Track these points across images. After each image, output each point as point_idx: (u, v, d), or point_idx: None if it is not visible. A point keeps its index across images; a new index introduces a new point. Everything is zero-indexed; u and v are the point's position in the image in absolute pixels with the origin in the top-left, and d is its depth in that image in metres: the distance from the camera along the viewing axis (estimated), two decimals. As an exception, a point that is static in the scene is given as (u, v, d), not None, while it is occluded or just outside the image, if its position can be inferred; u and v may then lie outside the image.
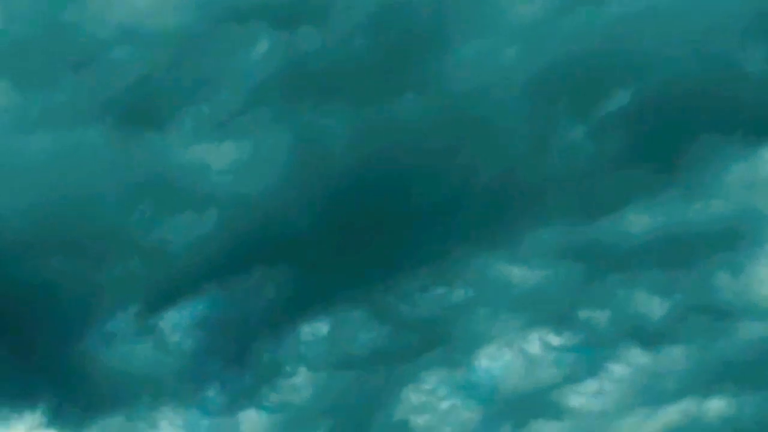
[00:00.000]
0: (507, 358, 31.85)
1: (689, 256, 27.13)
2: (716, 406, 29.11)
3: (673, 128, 26.29)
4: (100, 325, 29.66)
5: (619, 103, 26.18)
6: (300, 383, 32.15)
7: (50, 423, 31.53)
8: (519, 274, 28.84)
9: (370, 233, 28.00)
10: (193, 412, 32.94)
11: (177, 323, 30.79)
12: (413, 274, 28.29)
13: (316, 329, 31.15)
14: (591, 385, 31.26)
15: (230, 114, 27.40)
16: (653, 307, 28.23)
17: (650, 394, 29.80)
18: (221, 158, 27.57)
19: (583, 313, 30.13)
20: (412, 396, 31.85)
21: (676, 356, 29.36)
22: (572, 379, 30.76)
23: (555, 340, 30.43)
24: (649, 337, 28.49)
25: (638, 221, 27.17)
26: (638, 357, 30.07)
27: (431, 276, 28.22)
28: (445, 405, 32.60)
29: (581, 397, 31.42)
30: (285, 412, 32.57)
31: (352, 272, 28.47)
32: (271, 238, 27.96)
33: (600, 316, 30.19)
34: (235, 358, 30.57)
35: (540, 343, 30.57)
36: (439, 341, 29.14)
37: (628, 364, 30.50)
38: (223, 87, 27.52)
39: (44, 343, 29.68)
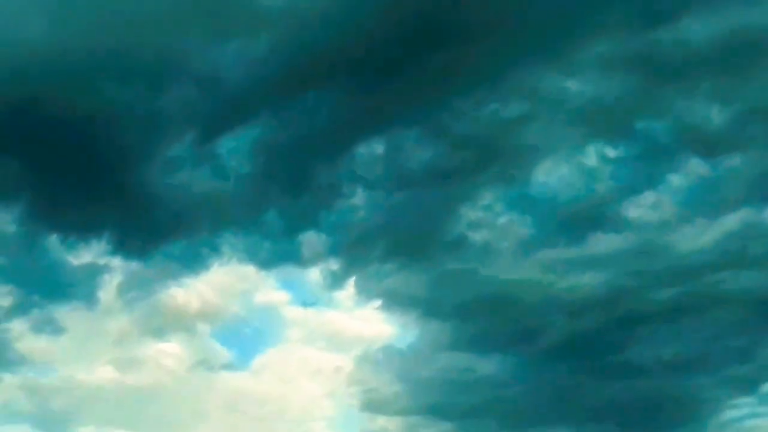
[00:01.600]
0: (563, 172, 31.75)
1: (749, 62, 26.41)
2: (776, 213, 28.94)
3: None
4: (159, 153, 30.10)
5: None
6: (357, 203, 32.51)
7: (115, 250, 32.46)
8: (574, 86, 28.37)
9: (423, 52, 27.60)
10: (253, 236, 33.63)
11: (234, 149, 31.08)
12: (467, 91, 27.98)
13: (371, 149, 31.24)
14: (649, 196, 31.16)
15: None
16: (712, 115, 27.75)
17: (709, 203, 29.66)
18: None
19: (641, 124, 29.78)
20: (468, 213, 32.05)
21: (735, 164, 29.03)
22: (630, 191, 30.67)
23: (612, 152, 30.21)
24: (708, 146, 28.11)
25: (697, 28, 26.38)
26: (697, 166, 29.79)
27: (485, 92, 27.90)
28: (501, 220, 32.82)
29: (639, 209, 31.36)
30: (343, 232, 33.10)
31: (406, 91, 28.23)
32: (325, 60, 27.71)
33: (658, 127, 29.80)
34: (292, 181, 30.89)
35: (597, 155, 30.41)
36: (495, 157, 29.08)
37: (686, 174, 30.28)
38: None
39: (106, 173, 30.26)
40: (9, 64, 26.17)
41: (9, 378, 35.04)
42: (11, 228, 31.58)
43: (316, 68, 27.80)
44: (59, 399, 36.58)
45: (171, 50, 27.88)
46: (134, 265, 34.95)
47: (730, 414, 32.28)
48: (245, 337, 40.48)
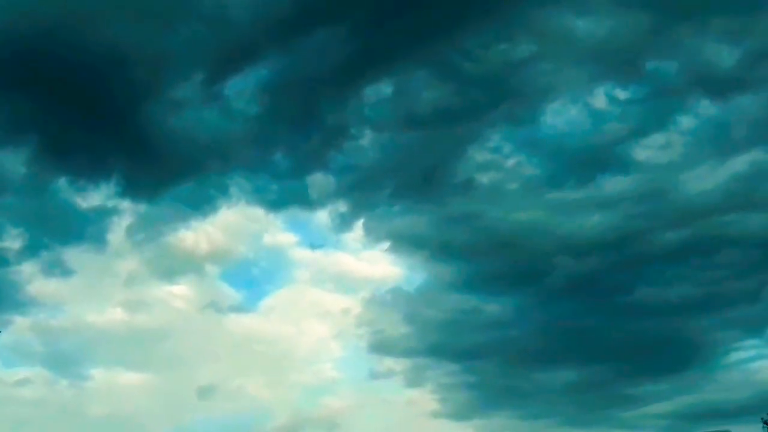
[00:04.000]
0: (572, 113, 31.73)
1: (760, 1, 26.19)
2: (785, 154, 28.84)
3: None
4: (167, 93, 30.04)
5: None
6: (365, 144, 32.55)
7: (124, 192, 32.53)
8: (583, 26, 28.28)
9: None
10: (261, 176, 33.70)
11: (242, 89, 31.08)
12: (475, 30, 27.84)
13: (379, 90, 31.23)
14: (658, 137, 31.16)
15: None
16: (723, 55, 27.62)
17: (718, 144, 29.68)
18: None
19: (650, 64, 29.67)
20: (476, 154, 32.12)
21: (745, 105, 28.96)
22: (639, 132, 30.70)
23: (621, 93, 30.19)
24: (719, 86, 28.06)
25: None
26: (707, 107, 29.74)
27: (493, 31, 27.76)
28: (510, 162, 32.87)
29: (648, 150, 31.37)
30: (352, 173, 33.18)
31: (413, 31, 28.10)
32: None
33: (667, 67, 29.70)
34: (300, 121, 30.89)
35: (606, 96, 30.35)
36: (503, 98, 29.07)
37: (696, 115, 30.23)
38: None
39: (114, 114, 30.20)
40: (18, 5, 26.10)
41: (20, 320, 35.41)
42: (20, 170, 31.71)
43: (324, 8, 27.68)
44: (69, 340, 36.96)
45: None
46: (143, 207, 35.19)
47: (736, 355, 32.53)
48: (254, 278, 40.79)
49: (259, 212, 36.36)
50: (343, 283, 40.21)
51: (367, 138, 30.69)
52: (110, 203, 33.76)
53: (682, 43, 27.71)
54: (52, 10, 26.49)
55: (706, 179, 29.56)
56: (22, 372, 37.10)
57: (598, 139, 29.88)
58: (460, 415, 34.45)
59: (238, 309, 38.91)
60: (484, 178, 30.57)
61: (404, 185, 31.55)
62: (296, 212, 35.80)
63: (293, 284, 40.92)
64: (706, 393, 32.42)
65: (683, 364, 33.33)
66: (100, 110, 30.30)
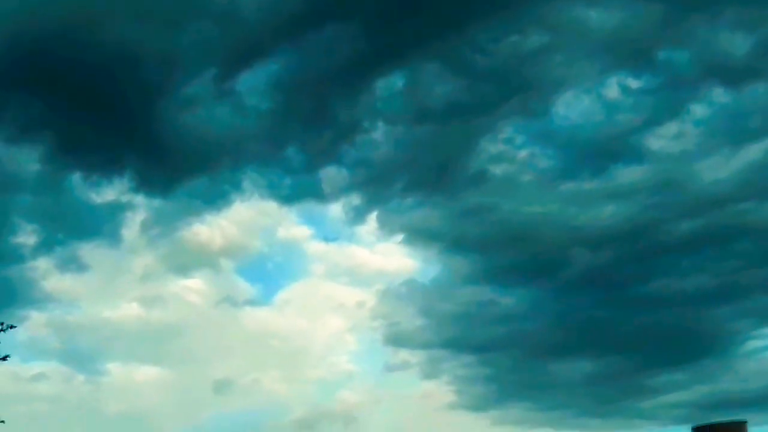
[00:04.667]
0: (585, 104, 31.64)
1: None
2: (800, 141, 28.60)
3: None
4: (179, 90, 30.09)
5: None
6: (378, 138, 32.62)
7: (138, 188, 32.67)
8: (595, 16, 28.20)
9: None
10: (274, 171, 33.81)
11: (254, 85, 31.18)
12: (486, 23, 27.77)
13: (391, 84, 31.28)
14: (671, 127, 31.08)
15: None
16: (736, 44, 27.45)
17: (732, 133, 29.56)
18: None
19: (663, 54, 29.52)
20: (489, 146, 32.10)
21: (759, 94, 28.81)
22: (652, 122, 30.63)
23: (634, 83, 30.11)
24: (732, 75, 27.95)
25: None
26: (720, 96, 29.63)
27: (504, 24, 27.65)
28: (523, 154, 32.85)
29: (661, 140, 31.29)
30: (364, 167, 33.25)
31: (425, 25, 28.04)
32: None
33: (680, 56, 29.59)
34: (312, 116, 30.93)
35: (618, 87, 30.22)
36: (516, 90, 29.04)
37: (709, 104, 30.11)
38: None
39: (127, 111, 30.31)
40: (31, 6, 26.14)
41: (36, 315, 35.74)
42: (35, 167, 31.93)
43: (335, 3, 27.64)
44: (85, 336, 37.26)
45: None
46: (157, 203, 35.42)
47: (753, 344, 32.43)
48: (268, 272, 40.98)
49: (272, 206, 36.56)
50: (358, 276, 40.37)
51: (379, 132, 30.74)
52: (124, 198, 34.07)
53: (694, 32, 27.59)
54: (65, 10, 26.60)
55: (720, 168, 29.45)
56: (38, 367, 37.58)
57: (611, 130, 29.79)
58: (476, 406, 34.63)
59: (253, 303, 39.17)
60: (497, 171, 30.54)
61: (417, 178, 31.56)
62: (310, 206, 35.99)
63: (308, 278, 41.17)
64: (723, 383, 32.46)
65: (699, 354, 33.32)
66: (114, 108, 30.45)
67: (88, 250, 34.83)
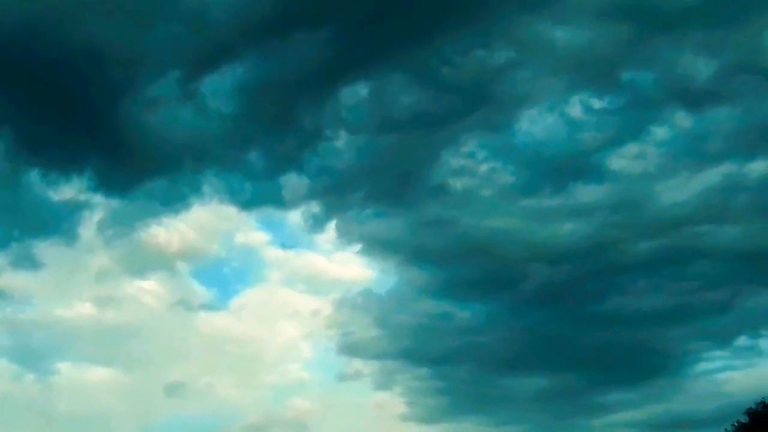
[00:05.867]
0: (548, 121, 31.73)
1: (738, 14, 26.26)
2: (759, 167, 29.00)
3: None
4: (142, 90, 29.83)
5: None
6: (341, 146, 32.42)
7: (97, 187, 32.30)
8: (562, 35, 28.25)
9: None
10: (235, 176, 33.52)
11: (218, 88, 30.84)
12: (454, 36, 27.78)
13: (356, 93, 31.09)
14: (633, 148, 31.20)
15: None
16: (699, 67, 27.69)
17: (693, 156, 29.75)
18: None
19: (627, 75, 29.72)
20: (451, 159, 32.04)
21: (720, 118, 29.05)
22: (614, 142, 30.72)
23: (597, 103, 30.21)
24: (695, 98, 28.11)
25: (687, -21, 26.17)
26: (682, 119, 29.81)
27: (472, 37, 27.71)
28: (484, 168, 32.80)
29: (623, 160, 31.38)
30: (326, 174, 33.06)
31: (392, 34, 28.00)
32: (312, 2, 27.46)
33: (644, 78, 29.75)
34: (276, 122, 30.73)
35: (582, 106, 30.38)
36: (480, 104, 29.02)
37: (671, 127, 30.31)
38: None
39: (89, 109, 29.99)
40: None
41: (-13, 312, 35.14)
42: (-6, 162, 31.47)
43: (304, 10, 27.54)
44: (38, 334, 36.71)
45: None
46: (115, 203, 34.93)
47: (704, 366, 32.69)
48: (224, 277, 40.65)
49: (231, 211, 36.22)
50: (315, 283, 40.17)
51: (342, 140, 30.60)
52: (82, 197, 33.61)
53: (659, 54, 27.80)
54: (30, 5, 26.30)
55: (679, 190, 29.71)
56: (-12, 365, 36.98)
57: (574, 148, 29.94)
58: (428, 418, 34.46)
59: (209, 307, 38.78)
60: (458, 183, 30.57)
61: (378, 188, 31.49)
62: (269, 212, 35.70)
63: (264, 284, 40.86)
64: (675, 403, 32.60)
65: (653, 373, 33.49)
66: (76, 105, 30.05)
67: (44, 248, 34.34)
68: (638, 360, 33.11)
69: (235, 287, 41.28)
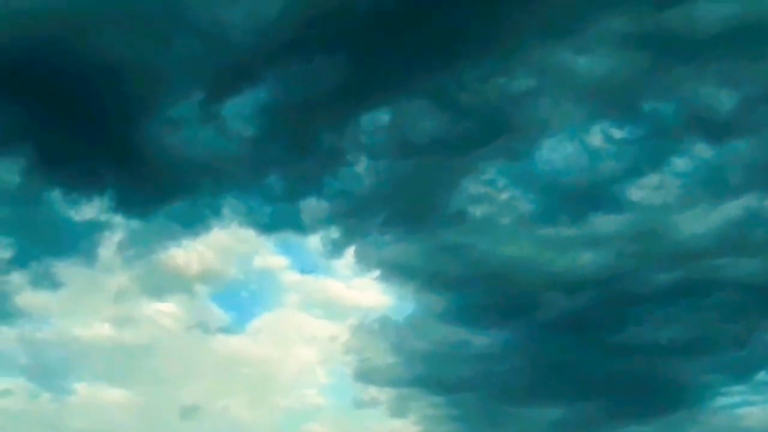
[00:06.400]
0: (568, 149, 31.60)
1: (759, 45, 26.19)
2: (780, 199, 28.77)
3: None
4: (164, 111, 29.95)
5: None
6: (360, 171, 32.32)
7: (117, 208, 32.37)
8: (583, 63, 28.12)
9: (432, 21, 27.39)
10: (255, 198, 33.51)
11: (239, 110, 30.83)
12: (475, 63, 27.77)
13: (377, 118, 30.99)
14: (653, 178, 30.98)
15: None
16: (721, 98, 27.55)
17: (713, 188, 29.51)
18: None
19: (648, 105, 29.60)
20: (470, 186, 31.90)
21: (741, 149, 28.84)
22: (634, 172, 30.52)
23: (618, 132, 30.03)
24: (715, 129, 27.94)
25: (708, 9, 26.12)
26: (702, 150, 29.60)
27: (494, 64, 27.70)
28: (503, 196, 32.65)
29: (642, 191, 31.17)
30: (345, 199, 32.94)
31: (414, 60, 28.00)
32: (333, 25, 27.52)
33: (665, 108, 29.58)
34: (296, 145, 30.74)
35: (602, 135, 30.25)
36: (500, 131, 28.88)
37: (691, 158, 30.10)
38: None
39: (110, 130, 30.14)
40: (14, 14, 26.04)
41: (6, 330, 35.13)
42: (15, 179, 31.51)
43: (325, 33, 27.58)
44: (55, 353, 36.71)
45: (180, 6, 27.61)
46: (135, 224, 34.88)
47: (722, 401, 32.39)
48: (242, 300, 40.55)
49: (250, 234, 36.08)
50: (332, 308, 40.00)
51: (361, 165, 30.54)
52: (103, 217, 33.61)
53: (680, 85, 27.70)
54: (51, 20, 26.43)
55: (699, 222, 29.51)
56: (4, 383, 36.78)
57: (593, 177, 29.81)
58: (443, 447, 34.36)
59: (226, 330, 38.70)
60: (477, 211, 30.45)
61: (396, 214, 31.41)
62: (288, 236, 35.58)
63: (282, 308, 40.73)
64: (691, 438, 32.42)
65: (669, 406, 33.18)
66: (97, 123, 30.20)
67: (63, 267, 34.38)
68: (655, 392, 32.77)
69: (253, 311, 41.19)
